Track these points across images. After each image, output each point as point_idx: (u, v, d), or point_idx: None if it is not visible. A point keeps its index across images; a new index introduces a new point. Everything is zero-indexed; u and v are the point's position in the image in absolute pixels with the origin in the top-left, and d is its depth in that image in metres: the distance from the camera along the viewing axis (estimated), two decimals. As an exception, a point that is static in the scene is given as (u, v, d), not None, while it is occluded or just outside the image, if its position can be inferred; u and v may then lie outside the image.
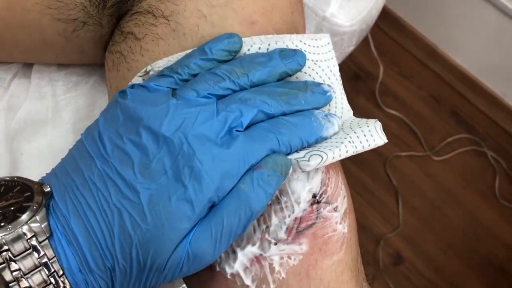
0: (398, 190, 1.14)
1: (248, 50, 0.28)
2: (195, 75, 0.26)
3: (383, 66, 1.21)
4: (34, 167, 0.32)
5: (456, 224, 1.13)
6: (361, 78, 1.23)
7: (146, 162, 0.23)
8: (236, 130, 0.25)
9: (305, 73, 0.29)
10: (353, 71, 1.24)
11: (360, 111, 1.19)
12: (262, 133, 0.25)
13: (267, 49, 0.28)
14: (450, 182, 1.17)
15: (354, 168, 1.12)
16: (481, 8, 1.06)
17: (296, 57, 0.27)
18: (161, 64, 0.27)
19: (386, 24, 1.27)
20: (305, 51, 0.29)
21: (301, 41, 0.29)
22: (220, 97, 0.26)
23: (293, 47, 0.28)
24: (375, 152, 1.17)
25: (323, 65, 0.30)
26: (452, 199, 1.15)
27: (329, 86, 0.28)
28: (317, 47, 0.29)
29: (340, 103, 0.30)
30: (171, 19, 0.28)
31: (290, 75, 0.28)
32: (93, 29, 0.31)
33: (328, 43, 0.30)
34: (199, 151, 0.23)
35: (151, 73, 0.28)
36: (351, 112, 0.31)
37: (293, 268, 0.26)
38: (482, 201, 1.15)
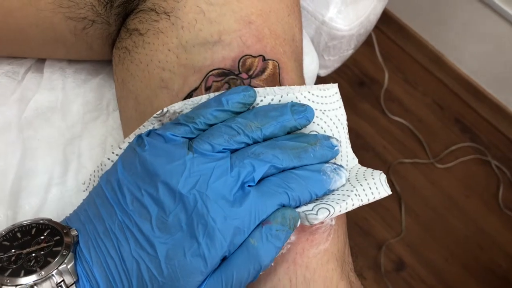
0: (401, 197, 1.14)
1: (261, 100, 0.29)
2: (210, 125, 0.27)
3: (388, 72, 1.22)
4: (43, 155, 0.34)
5: (459, 232, 1.12)
6: (366, 84, 1.24)
7: (163, 217, 0.25)
8: (248, 185, 0.26)
9: (314, 122, 0.30)
10: (358, 77, 1.25)
11: (364, 117, 1.20)
12: (273, 188, 0.26)
13: (279, 100, 0.29)
14: (454, 190, 1.17)
15: (358, 174, 1.12)
16: (487, 17, 1.06)
17: (305, 113, 0.28)
18: (177, 107, 0.28)
19: (392, 31, 1.28)
20: (313, 102, 0.30)
21: (309, 92, 0.30)
22: (234, 150, 0.27)
23: (302, 98, 0.30)
24: (379, 158, 1.17)
25: (331, 114, 0.31)
26: (455, 207, 1.15)
27: (337, 140, 0.29)
28: (325, 97, 0.31)
29: (345, 152, 0.32)
30: (171, 15, 0.30)
31: (299, 129, 0.29)
32: (101, 27, 0.34)
33: (336, 93, 0.31)
34: (212, 210, 0.25)
35: (167, 114, 0.29)
36: (356, 160, 0.32)
37: (281, 256, 0.28)
38: (485, 210, 1.15)
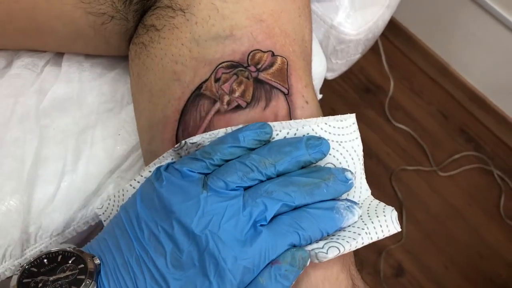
0: (403, 203, 1.15)
1: (277, 135, 0.30)
2: (226, 160, 0.28)
3: (394, 80, 1.23)
4: (58, 143, 0.36)
5: (459, 240, 1.13)
6: (371, 91, 1.25)
7: (177, 254, 0.26)
8: (260, 225, 0.27)
9: (330, 154, 0.30)
10: (364, 84, 1.26)
11: (369, 124, 1.21)
12: (284, 228, 0.27)
13: (295, 134, 0.30)
14: (456, 198, 1.17)
15: (361, 179, 1.13)
16: (493, 29, 1.07)
17: (320, 147, 0.29)
18: (195, 139, 0.29)
19: (399, 40, 1.30)
20: (330, 133, 0.30)
21: (326, 124, 0.30)
22: (247, 187, 0.27)
23: (319, 130, 0.30)
24: (382, 164, 1.18)
25: (347, 145, 0.31)
26: (456, 215, 1.16)
27: (352, 173, 0.29)
28: (342, 128, 0.31)
29: (359, 183, 0.32)
30: (187, 12, 0.31)
31: (314, 163, 0.29)
32: (119, 23, 0.35)
33: (354, 123, 0.31)
34: (223, 251, 0.26)
35: (185, 147, 0.30)
36: (369, 191, 0.32)
37: None
38: (487, 219, 1.15)
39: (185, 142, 0.29)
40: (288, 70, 0.32)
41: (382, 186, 1.15)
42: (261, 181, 0.28)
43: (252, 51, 0.31)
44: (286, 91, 0.31)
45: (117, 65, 0.40)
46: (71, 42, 0.37)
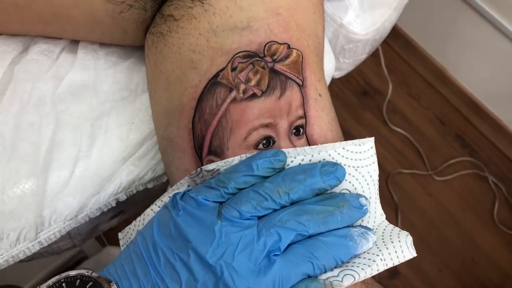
0: (398, 206, 1.16)
1: (292, 161, 0.30)
2: (241, 189, 0.29)
3: (393, 84, 1.24)
4: (73, 129, 0.36)
5: (453, 244, 1.14)
6: (369, 94, 1.27)
7: (192, 283, 0.27)
8: (274, 254, 0.27)
9: (346, 180, 0.30)
10: (363, 87, 1.27)
11: (366, 126, 1.22)
12: (298, 258, 0.27)
13: (310, 160, 0.30)
14: (450, 203, 1.19)
15: (357, 181, 1.14)
16: (491, 36, 1.09)
17: (336, 173, 0.29)
18: (210, 167, 0.30)
19: (398, 44, 1.31)
20: (347, 158, 0.30)
21: (344, 148, 0.30)
22: (261, 216, 0.28)
23: (336, 155, 0.30)
24: (379, 167, 1.19)
25: (363, 171, 0.31)
26: (451, 219, 1.17)
27: (366, 199, 0.29)
28: (360, 152, 0.31)
29: (373, 208, 0.31)
30: (205, 2, 0.32)
31: (329, 190, 0.29)
32: (137, 12, 0.35)
33: (372, 147, 0.31)
34: (238, 281, 0.26)
35: (200, 174, 0.30)
36: (384, 216, 0.31)
37: None
38: (480, 225, 1.17)
39: (201, 169, 0.30)
40: (303, 63, 0.32)
41: (378, 189, 1.16)
42: (275, 210, 0.28)
43: (268, 42, 0.32)
44: (300, 83, 0.32)
45: (132, 55, 0.41)
46: (88, 30, 0.38)
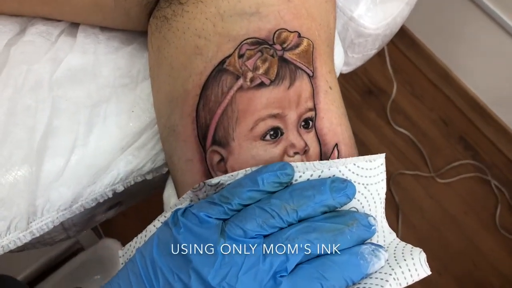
0: (399, 207, 1.15)
1: (300, 176, 0.28)
2: (245, 205, 0.27)
3: (397, 84, 1.23)
4: (70, 115, 0.35)
5: (454, 247, 1.13)
6: (374, 93, 1.25)
7: None
8: (280, 276, 0.25)
9: (355, 198, 0.29)
10: (367, 86, 1.26)
11: (369, 126, 1.21)
12: (306, 279, 0.25)
13: (319, 175, 0.28)
14: (452, 206, 1.18)
15: (358, 181, 1.13)
16: (499, 38, 1.08)
17: (346, 190, 0.27)
18: (213, 181, 0.28)
19: (404, 44, 1.30)
20: (357, 174, 0.29)
21: (355, 165, 0.29)
22: (267, 234, 0.26)
23: (346, 171, 0.28)
24: (381, 167, 1.18)
25: (372, 188, 0.29)
26: (452, 222, 1.16)
27: (374, 219, 0.28)
28: (370, 169, 0.29)
29: (381, 227, 0.30)
30: None
31: (338, 208, 0.28)
32: (141, -6, 0.34)
33: (382, 164, 0.29)
34: None
35: (203, 189, 0.29)
36: (394, 234, 0.30)
37: None
38: (482, 228, 1.16)
39: (204, 183, 0.28)
40: (314, 54, 0.31)
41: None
42: (282, 228, 0.26)
43: (278, 30, 0.30)
44: (311, 73, 0.31)
45: (134, 40, 0.39)
46: (90, 12, 0.36)
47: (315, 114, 0.30)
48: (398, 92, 1.25)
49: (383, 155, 0.30)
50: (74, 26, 0.38)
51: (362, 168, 0.29)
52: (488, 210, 1.18)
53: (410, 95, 1.28)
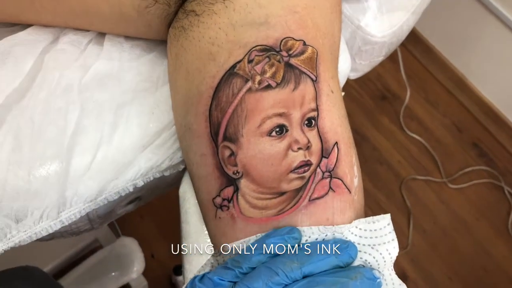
0: (411, 212, 1.15)
1: (306, 240, 0.30)
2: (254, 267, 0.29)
3: (411, 90, 1.24)
4: (97, 115, 0.38)
5: (465, 253, 1.13)
6: (387, 99, 1.27)
7: None
8: None
9: (361, 258, 0.30)
10: (381, 91, 1.27)
11: (382, 131, 1.22)
12: None
13: (323, 239, 0.30)
14: (464, 211, 1.18)
15: (370, 185, 1.15)
16: (512, 45, 1.08)
17: (348, 250, 0.29)
18: (229, 246, 0.31)
19: (418, 50, 1.31)
20: (361, 237, 0.30)
21: (357, 227, 0.30)
22: None
23: (350, 235, 0.30)
24: (393, 172, 1.19)
25: (381, 248, 0.30)
26: (464, 228, 1.16)
27: (379, 272, 0.29)
28: (375, 230, 0.30)
29: (390, 279, 0.31)
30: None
31: (342, 267, 0.29)
32: (162, 8, 0.37)
33: (388, 224, 0.30)
34: None
35: (221, 255, 0.32)
36: (404, 285, 0.30)
37: None
38: (494, 235, 1.16)
39: (221, 250, 0.31)
40: (317, 60, 0.34)
41: (391, 194, 1.16)
42: (287, 285, 0.28)
43: (285, 38, 0.33)
44: (314, 78, 0.33)
45: (155, 48, 0.42)
46: (115, 23, 0.40)
47: (317, 115, 0.33)
48: (411, 98, 1.26)
49: (388, 216, 0.31)
50: (101, 35, 0.42)
51: (366, 230, 0.30)
52: (500, 217, 1.18)
53: (423, 101, 1.29)
